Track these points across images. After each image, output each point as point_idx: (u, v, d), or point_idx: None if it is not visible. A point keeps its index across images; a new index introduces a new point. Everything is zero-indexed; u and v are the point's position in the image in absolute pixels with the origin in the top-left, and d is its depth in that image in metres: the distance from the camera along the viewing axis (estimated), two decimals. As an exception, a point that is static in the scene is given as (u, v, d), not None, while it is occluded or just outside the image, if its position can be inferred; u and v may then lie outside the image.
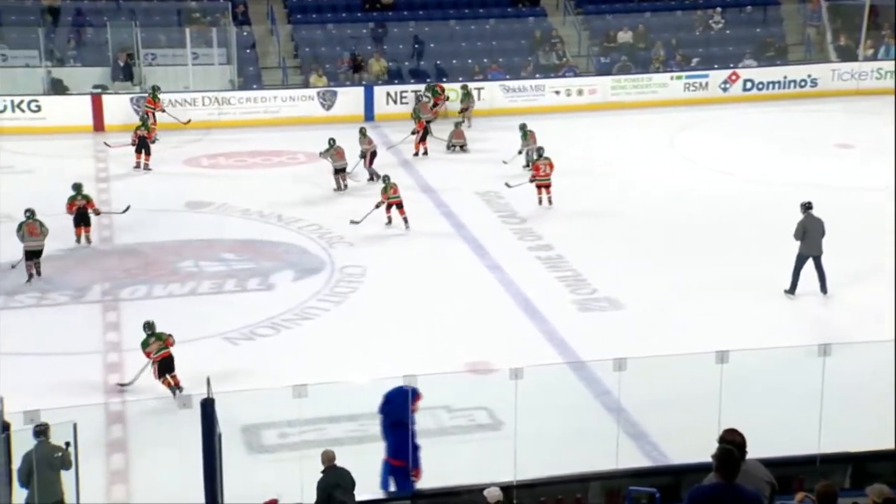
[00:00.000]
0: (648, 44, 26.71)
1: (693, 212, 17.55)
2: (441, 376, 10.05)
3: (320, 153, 19.06)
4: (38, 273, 14.69)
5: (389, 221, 16.85)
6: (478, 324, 13.21)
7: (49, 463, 8.45)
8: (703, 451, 6.37)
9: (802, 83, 26.13)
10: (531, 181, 17.82)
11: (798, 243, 13.84)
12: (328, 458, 8.48)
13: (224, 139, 21.74)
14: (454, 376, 10.91)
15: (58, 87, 23.16)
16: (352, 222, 16.71)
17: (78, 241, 16.07)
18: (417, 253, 15.77)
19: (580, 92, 25.13)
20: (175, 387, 11.39)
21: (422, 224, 17.08)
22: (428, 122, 21.68)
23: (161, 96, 22.05)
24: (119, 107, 22.44)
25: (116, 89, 23.16)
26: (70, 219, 16.04)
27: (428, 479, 9.30)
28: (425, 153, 21.11)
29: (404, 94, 24.09)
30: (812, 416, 9.07)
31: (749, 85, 25.89)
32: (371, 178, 19.04)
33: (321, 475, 8.40)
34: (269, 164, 20.49)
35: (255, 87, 24.06)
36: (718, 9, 27.53)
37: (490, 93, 24.58)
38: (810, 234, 13.76)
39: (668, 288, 14.27)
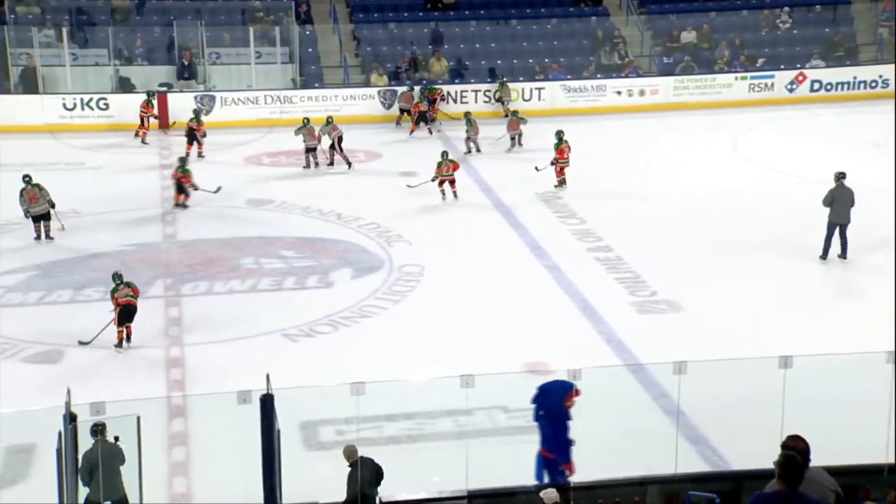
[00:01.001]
0: (713, 44, 26.34)
1: (756, 215, 17.25)
2: (498, 376, 10.00)
3: (295, 131, 20.27)
4: (49, 236, 15.97)
5: (443, 196, 17.90)
6: (536, 324, 13.14)
7: (111, 459, 8.57)
8: (764, 456, 6.25)
9: (873, 84, 25.56)
10: (553, 163, 18.67)
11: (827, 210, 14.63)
12: (352, 453, 8.53)
13: (285, 137, 21.93)
14: (512, 376, 10.86)
15: (125, 85, 23.62)
16: (408, 186, 18.24)
17: (175, 205, 17.67)
18: (475, 252, 15.74)
19: (642, 92, 24.89)
20: (126, 337, 12.42)
21: (480, 223, 17.10)
22: (430, 117, 23.06)
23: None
24: (183, 104, 22.80)
25: (181, 87, 23.54)
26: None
27: (484, 480, 9.25)
28: (430, 133, 22.42)
29: (465, 94, 24.11)
30: (880, 423, 8.85)
31: (816, 86, 25.41)
32: (346, 164, 20.20)
33: (350, 469, 8.45)
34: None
35: (316, 85, 24.25)
36: (786, 8, 27.03)
37: (551, 93, 24.49)
38: (838, 202, 14.62)
39: (730, 291, 14.06)
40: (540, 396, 9.22)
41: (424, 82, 24.15)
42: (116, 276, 12.74)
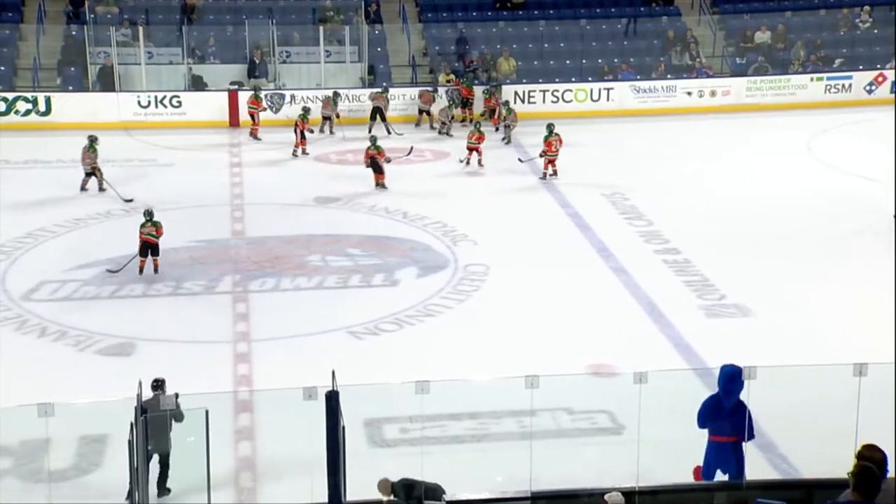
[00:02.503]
0: (788, 44, 25.83)
1: (829, 218, 16.89)
2: (563, 378, 9.93)
3: (322, 99, 22.45)
4: (101, 188, 18.10)
5: (466, 163, 19.67)
6: (601, 326, 13.03)
7: (166, 415, 8.76)
8: (835, 465, 6.10)
9: (957, 86, 24.83)
10: (542, 156, 19.10)
11: None
12: (387, 486, 8.35)
13: (353, 136, 22.11)
14: (576, 378, 10.78)
15: (197, 84, 24.02)
16: (459, 161, 19.87)
17: (377, 185, 18.62)
18: (541, 253, 15.66)
19: (713, 93, 24.53)
20: (154, 269, 14.45)
21: (547, 225, 17.01)
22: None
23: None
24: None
25: (251, 86, 23.85)
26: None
27: (548, 481, 9.20)
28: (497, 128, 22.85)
29: (532, 94, 24.02)
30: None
31: (897, 87, 24.75)
32: (386, 134, 21.68)
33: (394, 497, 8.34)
34: (396, 160, 20.71)
35: (384, 84, 24.36)
36: (867, 7, 26.36)
37: (619, 93, 24.27)
38: None
39: (801, 296, 13.78)
40: (731, 382, 8.99)
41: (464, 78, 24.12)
42: (146, 213, 14.62)
